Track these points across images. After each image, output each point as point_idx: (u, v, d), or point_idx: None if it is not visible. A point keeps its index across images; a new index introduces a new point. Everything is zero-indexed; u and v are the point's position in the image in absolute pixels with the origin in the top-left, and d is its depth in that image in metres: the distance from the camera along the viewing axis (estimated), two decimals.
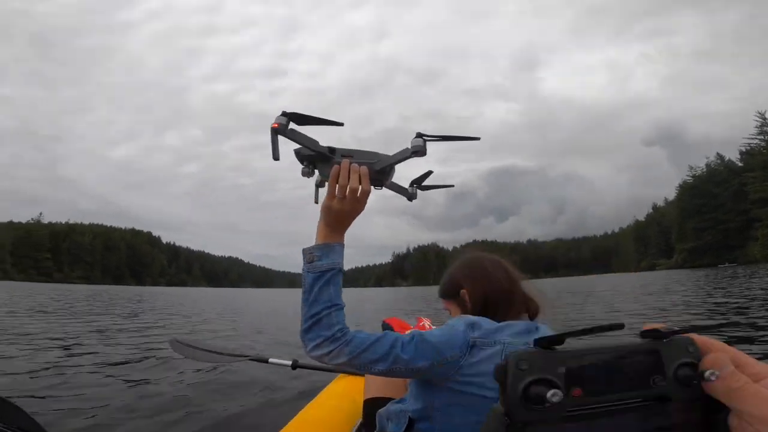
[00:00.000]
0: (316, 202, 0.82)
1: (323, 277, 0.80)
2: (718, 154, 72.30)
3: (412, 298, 22.53)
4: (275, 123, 0.76)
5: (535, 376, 0.30)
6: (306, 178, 0.82)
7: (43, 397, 2.78)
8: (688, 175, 75.18)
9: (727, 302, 8.29)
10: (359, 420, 1.22)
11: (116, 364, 3.93)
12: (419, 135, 0.80)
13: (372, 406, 1.16)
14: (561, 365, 0.31)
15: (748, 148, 62.97)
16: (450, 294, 1.01)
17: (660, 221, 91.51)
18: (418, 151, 0.79)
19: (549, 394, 0.29)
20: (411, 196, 0.93)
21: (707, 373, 0.32)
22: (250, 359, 2.08)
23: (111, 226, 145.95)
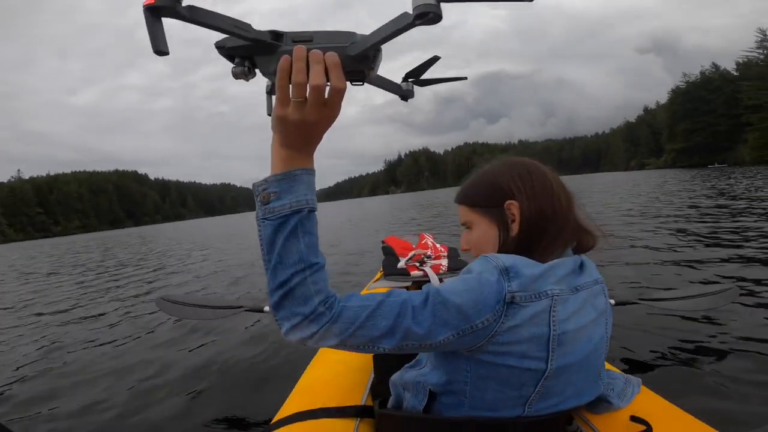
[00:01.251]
0: (269, 114, 0.56)
1: (287, 224, 0.56)
2: (713, 63, 72.51)
3: (407, 205, 23.15)
4: None
5: None
6: (245, 81, 0.57)
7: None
8: (681, 81, 74.85)
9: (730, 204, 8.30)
10: (372, 375, 1.04)
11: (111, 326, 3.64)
12: None
13: (383, 362, 1.00)
14: None
15: (746, 59, 62.92)
16: (486, 202, 0.74)
17: (651, 123, 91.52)
18: (428, 14, 0.46)
19: None
20: (406, 95, 0.71)
21: None
22: (245, 310, 1.91)
23: (94, 171, 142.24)
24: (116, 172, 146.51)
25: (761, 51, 60.39)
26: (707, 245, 4.17)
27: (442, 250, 2.22)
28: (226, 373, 2.23)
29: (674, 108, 73.82)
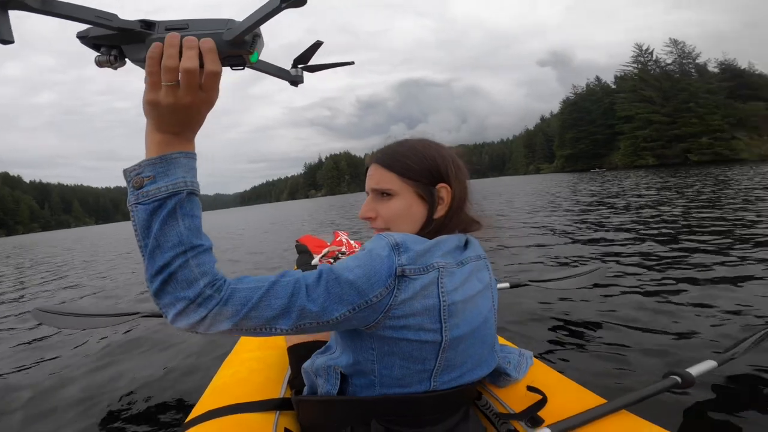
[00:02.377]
0: None
1: (163, 207, 0.53)
2: (597, 77, 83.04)
3: (327, 208, 22.78)
4: None
5: None
6: (112, 70, 0.55)
7: None
8: (570, 93, 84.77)
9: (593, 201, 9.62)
10: (288, 370, 1.03)
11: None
12: None
13: (297, 354, 0.98)
14: None
15: (622, 73, 73.08)
16: (421, 177, 0.74)
17: (546, 131, 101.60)
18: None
19: None
20: (296, 80, 0.74)
21: None
22: (142, 316, 1.80)
23: None
24: None
25: (635, 65, 70.06)
26: (579, 237, 4.80)
27: (356, 246, 2.25)
28: (131, 385, 1.95)
29: (563, 117, 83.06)
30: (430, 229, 0.74)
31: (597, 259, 3.47)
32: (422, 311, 0.64)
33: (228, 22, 0.55)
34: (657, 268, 2.99)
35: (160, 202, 0.53)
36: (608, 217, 6.22)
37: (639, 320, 2.04)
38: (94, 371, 2.18)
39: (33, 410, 1.79)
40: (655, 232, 4.58)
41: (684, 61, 68.34)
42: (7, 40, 0.48)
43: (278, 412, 0.84)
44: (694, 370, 0.97)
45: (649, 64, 69.46)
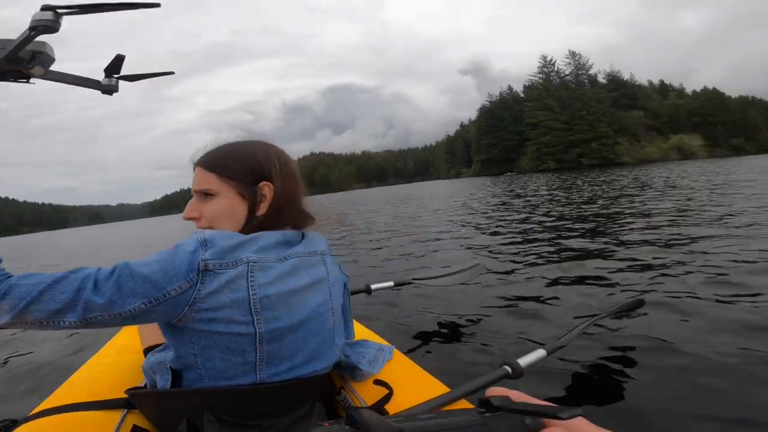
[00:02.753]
0: None
1: None
2: (509, 86, 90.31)
3: None
4: None
5: None
6: None
7: None
8: (486, 101, 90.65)
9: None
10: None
11: None
12: (47, 7, 0.59)
13: None
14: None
15: (530, 83, 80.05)
16: (242, 177, 0.75)
17: (465, 137, 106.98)
18: (43, 27, 0.59)
19: None
20: (110, 89, 0.79)
21: None
22: None
23: None
24: None
25: (541, 75, 77.36)
26: (470, 235, 5.19)
27: None
28: None
29: (480, 124, 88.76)
30: (252, 225, 0.76)
31: (480, 257, 3.75)
32: (230, 304, 0.66)
33: (6, 42, 0.62)
34: (530, 263, 3.32)
35: None
36: (503, 218, 6.78)
37: (501, 313, 2.22)
38: None
39: None
40: (540, 229, 5.10)
41: (579, 72, 77.39)
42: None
43: (126, 410, 0.82)
44: (524, 360, 1.02)
45: (552, 74, 77.07)
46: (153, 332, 1.01)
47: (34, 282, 0.61)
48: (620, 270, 2.76)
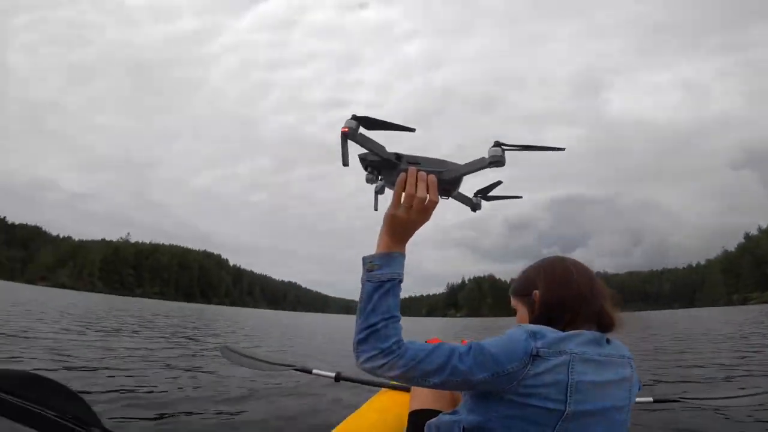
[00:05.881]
0: (376, 209, 0.81)
1: (383, 287, 0.78)
2: None
3: (464, 329, 21.38)
4: (345, 127, 0.75)
5: None
6: (369, 185, 0.81)
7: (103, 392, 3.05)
8: None
9: None
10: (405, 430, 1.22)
11: (178, 368, 4.35)
12: (497, 144, 0.76)
13: (418, 418, 1.14)
14: None
15: None
16: (520, 292, 0.98)
17: (753, 251, 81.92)
18: (496, 161, 0.76)
19: None
20: (475, 206, 0.92)
21: None
22: (294, 369, 2.13)
23: (187, 248, 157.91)
24: (204, 252, 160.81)
25: None
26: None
27: None
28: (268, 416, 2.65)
29: None
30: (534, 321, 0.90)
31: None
32: (550, 384, 0.75)
33: (445, 163, 0.80)
34: None
35: (381, 283, 0.78)
36: None
37: None
38: (242, 399, 3.07)
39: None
40: None
41: None
42: (346, 164, 0.76)
43: None
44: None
45: None
46: (422, 397, 1.23)
47: (420, 348, 0.76)
48: None
